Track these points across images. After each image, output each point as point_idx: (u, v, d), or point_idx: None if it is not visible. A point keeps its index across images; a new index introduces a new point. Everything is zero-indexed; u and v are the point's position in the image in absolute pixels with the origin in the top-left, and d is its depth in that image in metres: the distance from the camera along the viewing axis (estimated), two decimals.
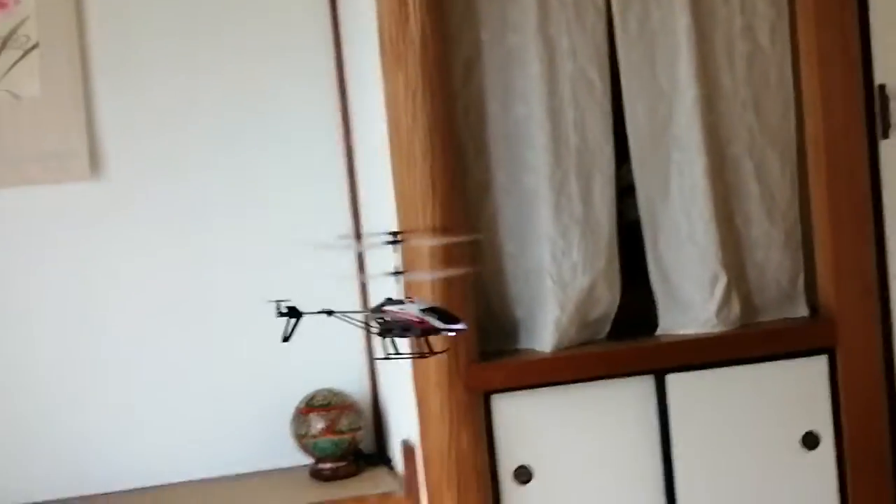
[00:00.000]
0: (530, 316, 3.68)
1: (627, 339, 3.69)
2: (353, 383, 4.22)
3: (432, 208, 3.49)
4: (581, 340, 3.66)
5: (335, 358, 4.22)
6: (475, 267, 3.38)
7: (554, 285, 3.62)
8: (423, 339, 2.73)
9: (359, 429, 4.14)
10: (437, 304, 2.81)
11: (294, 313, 2.92)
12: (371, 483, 4.08)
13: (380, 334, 2.79)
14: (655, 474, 3.64)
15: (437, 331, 2.68)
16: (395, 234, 2.89)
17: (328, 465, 4.11)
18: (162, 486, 4.17)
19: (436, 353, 2.78)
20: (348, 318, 2.84)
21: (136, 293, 4.17)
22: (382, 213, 3.70)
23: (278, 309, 2.92)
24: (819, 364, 3.69)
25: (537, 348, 3.64)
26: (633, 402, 3.64)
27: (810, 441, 3.68)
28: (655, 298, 3.73)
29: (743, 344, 3.66)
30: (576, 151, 3.63)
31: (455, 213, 3.51)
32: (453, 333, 2.70)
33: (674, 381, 3.63)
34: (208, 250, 4.19)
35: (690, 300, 3.69)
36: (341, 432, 4.09)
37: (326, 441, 4.09)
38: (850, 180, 3.66)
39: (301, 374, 4.19)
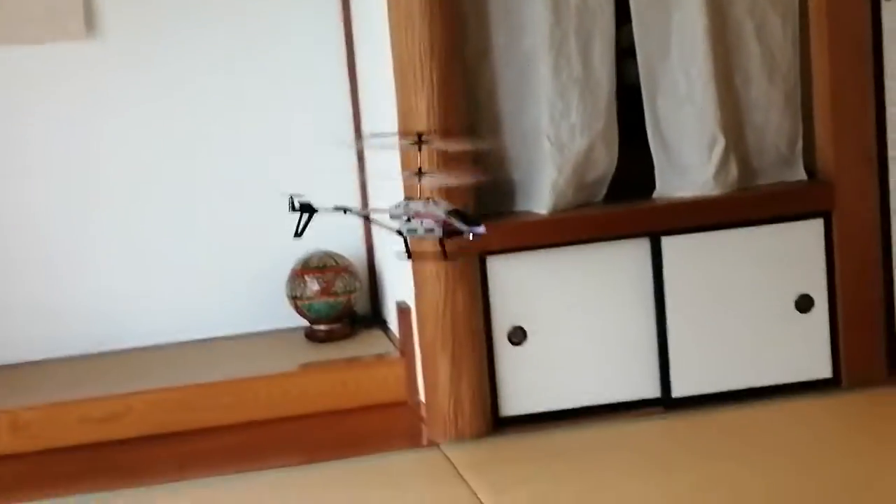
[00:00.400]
0: (528, 178, 3.67)
1: (624, 202, 3.69)
2: (348, 246, 4.23)
3: (430, 71, 3.46)
4: (578, 203, 3.65)
5: (331, 220, 4.22)
6: (484, 173, 3.35)
7: (552, 147, 3.60)
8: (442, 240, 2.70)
9: (354, 291, 4.15)
10: (459, 206, 2.77)
11: (308, 209, 2.85)
12: (366, 344, 4.11)
13: (400, 233, 2.74)
14: (649, 336, 3.65)
15: (459, 233, 2.66)
16: (419, 135, 2.84)
17: (323, 327, 4.13)
18: (158, 346, 4.20)
19: (447, 257, 2.75)
20: (367, 215, 2.80)
21: (133, 154, 4.16)
22: (379, 80, 3.67)
23: (291, 204, 2.85)
24: (815, 227, 3.68)
25: (534, 210, 3.63)
26: (628, 264, 3.64)
27: (804, 304, 3.69)
28: (653, 161, 3.71)
29: (739, 207, 3.65)
30: (576, 10, 3.59)
31: (454, 78, 3.48)
32: (475, 236, 2.68)
33: (669, 243, 3.63)
34: (205, 112, 4.17)
35: (688, 163, 3.67)
36: (336, 294, 4.10)
37: (321, 303, 4.10)
38: (852, 43, 3.62)
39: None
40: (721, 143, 3.64)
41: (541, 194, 3.63)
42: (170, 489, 3.41)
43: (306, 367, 3.92)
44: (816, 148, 3.72)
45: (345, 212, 2.89)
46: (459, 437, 3.56)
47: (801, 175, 3.75)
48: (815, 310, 3.69)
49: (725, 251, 3.66)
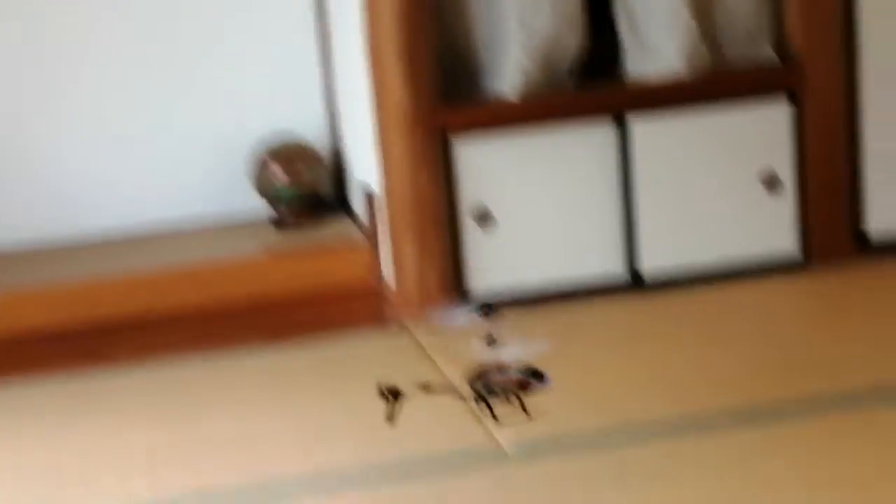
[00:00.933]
0: (495, 59, 3.63)
1: (592, 84, 3.66)
2: (312, 129, 4.19)
3: None
4: (545, 85, 3.62)
5: (295, 105, 4.19)
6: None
7: (519, 28, 3.56)
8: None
9: (319, 176, 4.12)
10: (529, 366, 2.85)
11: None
12: (332, 230, 4.09)
13: (484, 400, 2.85)
14: (616, 217, 3.65)
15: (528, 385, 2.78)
16: (488, 305, 2.91)
17: (288, 213, 4.11)
18: (123, 232, 4.16)
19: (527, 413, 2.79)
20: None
21: (95, 36, 4.11)
22: None
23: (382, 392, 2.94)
24: (783, 107, 3.67)
25: (500, 92, 3.61)
26: (595, 146, 3.62)
27: (772, 183, 3.68)
28: (622, 43, 3.68)
29: (708, 87, 3.63)
30: None
31: None
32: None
33: (637, 124, 3.61)
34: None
35: (657, 44, 3.64)
36: (301, 179, 4.08)
37: (286, 188, 4.07)
38: None
39: (262, 121, 4.17)
40: (690, 24, 3.61)
41: (507, 76, 3.59)
42: (136, 373, 3.41)
43: (272, 253, 3.91)
44: (786, 29, 3.69)
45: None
46: (426, 320, 3.57)
47: (771, 56, 3.73)
48: (782, 189, 3.70)
49: (694, 132, 3.64)
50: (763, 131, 3.67)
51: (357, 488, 2.69)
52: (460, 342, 3.42)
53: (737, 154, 3.66)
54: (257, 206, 4.13)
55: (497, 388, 2.77)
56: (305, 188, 4.07)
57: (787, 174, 3.68)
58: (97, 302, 3.73)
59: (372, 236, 3.85)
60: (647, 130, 3.61)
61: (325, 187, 4.19)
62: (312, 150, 4.10)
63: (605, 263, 3.66)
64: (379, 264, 3.80)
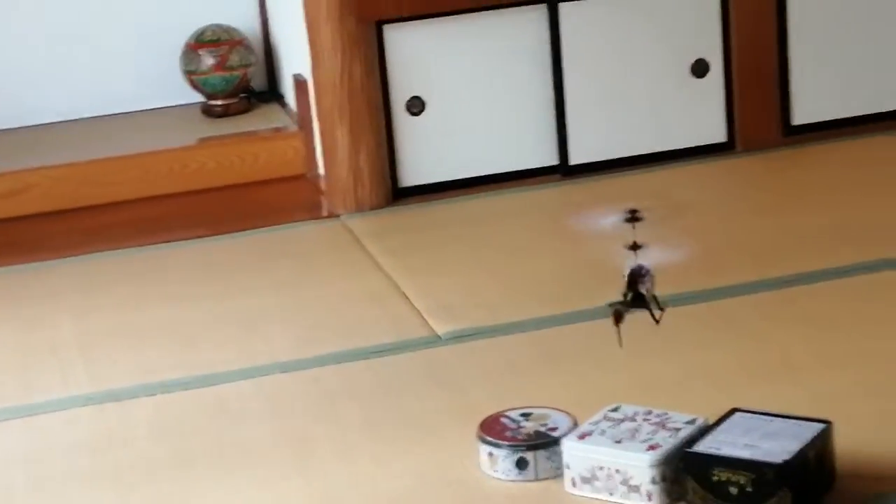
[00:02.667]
0: None
1: None
2: (242, 18, 4.16)
3: None
4: None
5: None
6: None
7: None
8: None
9: (249, 65, 4.09)
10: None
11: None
12: (263, 119, 4.08)
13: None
14: (547, 104, 3.66)
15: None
16: (633, 211, 2.68)
17: (219, 102, 4.09)
18: (55, 123, 4.13)
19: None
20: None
21: None
22: None
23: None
24: None
25: None
26: (525, 32, 3.61)
27: (700, 68, 3.70)
28: None
29: None
30: None
31: None
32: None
33: (567, 9, 3.60)
34: None
35: None
36: (232, 68, 4.05)
37: (217, 77, 4.04)
38: None
39: (191, 10, 4.13)
40: None
41: None
42: (71, 263, 3.40)
43: (205, 142, 3.90)
44: None
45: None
46: (359, 208, 3.58)
47: None
48: (710, 74, 3.71)
49: (622, 17, 3.64)
50: (691, 16, 3.67)
51: (291, 370, 2.73)
52: (390, 229, 3.46)
53: (665, 39, 3.67)
54: (188, 94, 4.11)
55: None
56: (236, 76, 4.05)
57: (715, 59, 3.70)
58: (30, 193, 3.72)
59: (303, 124, 3.85)
60: (576, 16, 3.60)
61: (257, 76, 4.17)
62: (241, 37, 4.07)
63: (536, 150, 3.67)
64: (311, 152, 3.81)
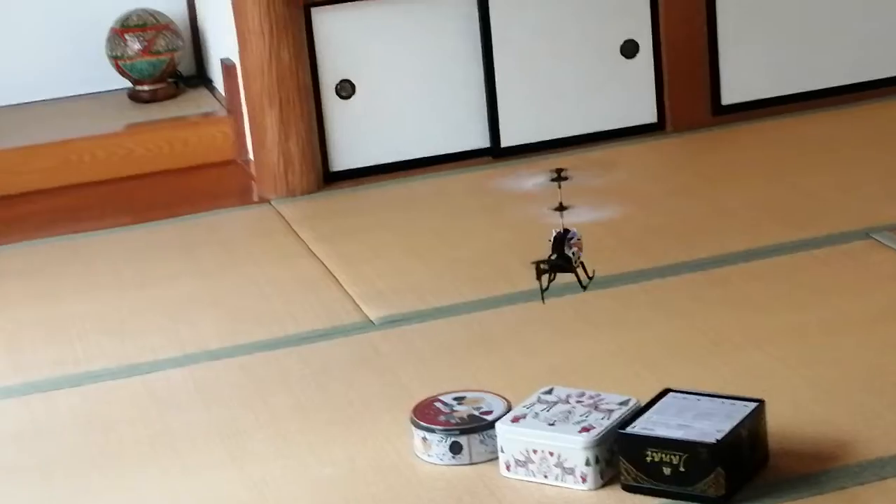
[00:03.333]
0: None
1: None
2: (168, 2, 4.11)
3: None
4: None
5: None
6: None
7: None
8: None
9: (176, 49, 4.05)
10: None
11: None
12: (192, 104, 4.04)
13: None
14: (477, 87, 3.64)
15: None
16: (559, 171, 2.63)
17: (146, 88, 4.04)
18: None
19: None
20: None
21: None
22: None
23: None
24: None
25: None
26: (455, 15, 3.59)
27: (629, 49, 3.70)
28: None
29: None
30: None
31: None
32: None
33: None
34: None
35: None
36: (158, 53, 4.01)
37: (144, 62, 4.00)
38: None
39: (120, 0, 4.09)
40: None
41: None
42: None
43: (132, 128, 3.85)
44: None
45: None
46: (290, 193, 3.55)
47: None
48: (640, 55, 3.71)
49: None
50: None
51: (221, 358, 2.71)
52: (321, 214, 3.44)
53: (595, 20, 3.66)
54: (114, 80, 4.07)
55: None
56: (163, 61, 4.01)
57: (644, 40, 3.70)
58: None
59: (232, 109, 3.82)
60: None
61: (184, 61, 4.13)
62: (168, 21, 4.03)
63: (467, 132, 3.66)
64: (241, 137, 3.78)
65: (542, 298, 2.28)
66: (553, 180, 2.54)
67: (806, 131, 3.66)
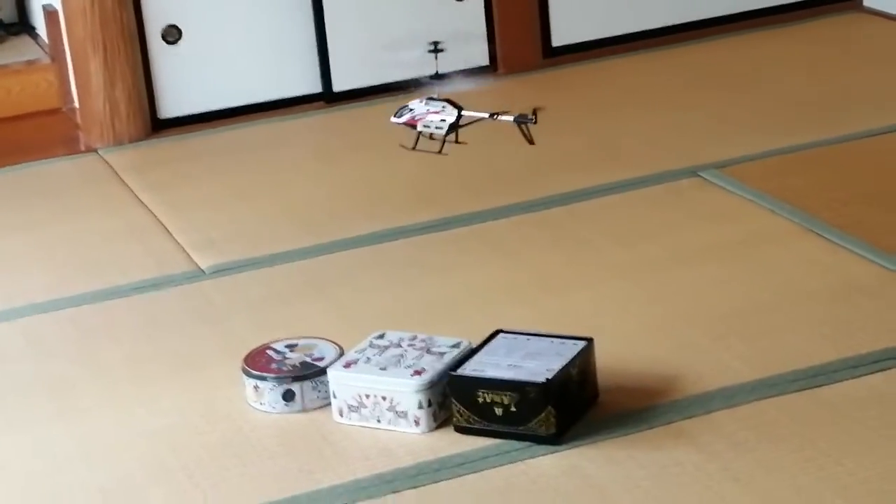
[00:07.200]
0: None
1: None
2: None
3: None
4: None
5: None
6: None
7: None
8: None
9: None
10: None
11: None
12: (14, 52, 3.93)
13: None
14: (308, 31, 3.60)
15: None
16: (435, 43, 2.66)
17: None
18: None
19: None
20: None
21: None
22: None
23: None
24: None
25: None
26: None
27: None
28: None
29: None
30: None
31: None
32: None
33: None
34: None
35: None
36: None
37: None
38: None
39: None
40: None
41: None
42: None
43: None
44: None
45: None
46: (118, 142, 3.48)
47: None
48: None
49: None
50: None
51: (48, 311, 2.65)
52: (150, 162, 3.39)
53: None
54: None
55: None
56: None
57: None
58: None
59: (56, 56, 3.73)
60: None
61: (5, 7, 4.03)
62: None
63: (299, 78, 3.62)
64: (65, 85, 3.69)
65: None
66: (430, 52, 2.63)
67: (634, 73, 3.70)
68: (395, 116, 2.58)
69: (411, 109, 2.58)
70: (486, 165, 3.15)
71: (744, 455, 2.01)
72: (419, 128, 2.54)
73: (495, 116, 2.50)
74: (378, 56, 3.61)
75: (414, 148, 2.53)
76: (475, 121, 2.54)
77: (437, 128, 2.54)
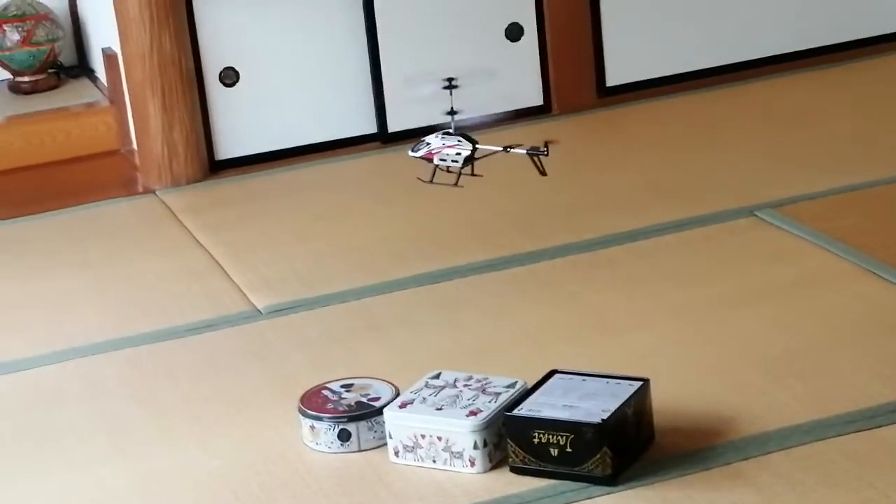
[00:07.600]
0: None
1: None
2: None
3: None
4: None
5: None
6: None
7: None
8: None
9: (57, 39, 4.00)
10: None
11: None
12: (74, 94, 3.98)
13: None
14: (363, 71, 3.63)
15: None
16: (450, 80, 2.74)
17: (27, 79, 3.99)
18: None
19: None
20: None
21: None
22: None
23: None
24: None
25: None
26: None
27: (514, 32, 3.71)
28: None
29: None
30: None
31: None
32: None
33: None
34: None
35: None
36: (38, 43, 3.95)
37: (23, 53, 3.94)
38: None
39: None
40: None
41: None
42: None
43: (13, 120, 3.79)
44: None
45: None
46: (175, 183, 3.52)
47: None
48: (525, 38, 3.73)
49: None
50: None
51: (107, 351, 2.67)
52: (207, 203, 3.41)
53: (480, 4, 3.67)
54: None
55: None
56: (43, 51, 3.95)
57: (528, 23, 3.71)
58: None
59: (115, 99, 3.77)
60: None
61: (65, 51, 4.08)
62: (47, 10, 3.97)
63: (354, 118, 3.65)
64: (124, 127, 3.73)
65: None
66: (445, 88, 2.68)
67: (690, 111, 3.70)
68: (412, 150, 2.63)
69: (428, 143, 2.63)
70: (540, 204, 3.15)
71: (802, 497, 1.99)
72: (435, 161, 2.58)
73: (509, 149, 2.53)
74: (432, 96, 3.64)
75: (431, 181, 2.57)
76: (489, 154, 2.57)
77: (452, 161, 2.58)
